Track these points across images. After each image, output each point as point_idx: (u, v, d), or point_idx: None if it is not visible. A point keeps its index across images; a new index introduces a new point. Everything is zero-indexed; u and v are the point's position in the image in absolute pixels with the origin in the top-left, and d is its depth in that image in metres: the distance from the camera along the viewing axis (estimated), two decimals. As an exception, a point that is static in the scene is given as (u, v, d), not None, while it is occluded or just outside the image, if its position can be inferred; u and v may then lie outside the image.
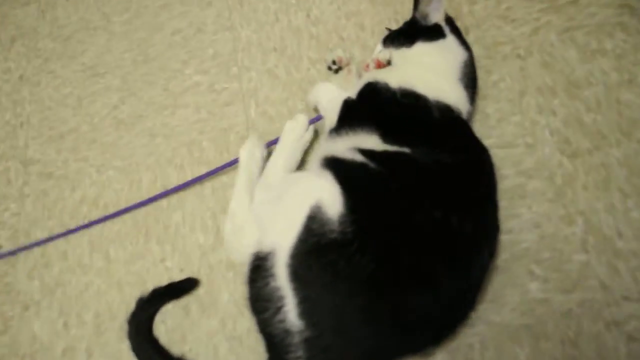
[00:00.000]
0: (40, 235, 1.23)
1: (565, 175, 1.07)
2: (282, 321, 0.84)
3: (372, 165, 0.92)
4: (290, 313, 0.83)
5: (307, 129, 1.14)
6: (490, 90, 1.19)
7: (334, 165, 0.95)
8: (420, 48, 1.11)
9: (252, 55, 1.38)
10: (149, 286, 1.12)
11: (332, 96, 1.13)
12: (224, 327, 1.06)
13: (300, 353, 0.84)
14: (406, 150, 0.94)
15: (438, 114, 1.00)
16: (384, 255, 0.83)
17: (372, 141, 0.98)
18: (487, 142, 1.09)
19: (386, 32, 1.27)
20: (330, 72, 1.27)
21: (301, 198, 0.91)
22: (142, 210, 1.22)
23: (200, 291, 1.10)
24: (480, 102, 1.18)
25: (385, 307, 0.83)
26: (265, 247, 0.89)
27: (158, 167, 1.27)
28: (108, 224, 1.22)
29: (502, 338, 0.96)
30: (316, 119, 1.17)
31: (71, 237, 1.22)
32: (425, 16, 1.14)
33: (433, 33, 1.12)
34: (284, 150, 1.12)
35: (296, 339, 0.84)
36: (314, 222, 0.86)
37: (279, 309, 0.84)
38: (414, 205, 0.87)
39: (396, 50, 1.14)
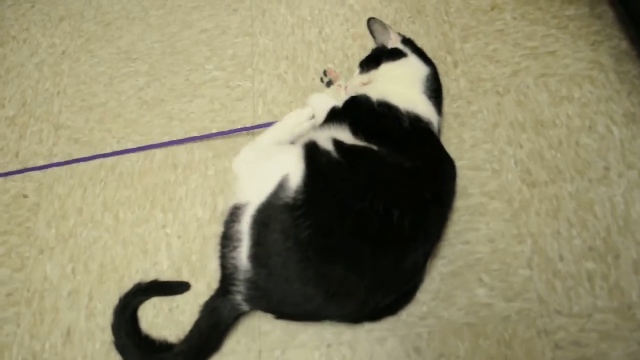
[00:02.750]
0: (62, 191, 1.29)
1: (522, 200, 1.13)
2: (235, 259, 0.95)
3: (335, 154, 1.00)
4: (243, 254, 0.94)
5: (309, 121, 1.20)
6: (469, 119, 1.26)
7: (310, 147, 1.03)
8: (386, 67, 1.20)
9: (267, 60, 1.44)
10: (150, 247, 1.19)
11: (324, 103, 1.20)
12: (209, 290, 1.10)
13: (241, 289, 0.96)
14: (374, 147, 1.02)
15: (408, 123, 1.08)
16: (321, 226, 0.92)
17: (344, 135, 1.07)
18: (459, 163, 1.16)
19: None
20: (323, 85, 1.34)
21: (277, 168, 1.00)
22: (153, 182, 1.28)
23: (192, 258, 1.17)
24: (458, 129, 1.24)
25: (313, 270, 0.91)
26: (243, 199, 0.99)
27: (171, 145, 1.33)
28: (121, 188, 1.28)
29: (447, 332, 1.02)
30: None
31: (88, 195, 1.28)
32: (383, 45, 1.25)
33: (394, 54, 1.21)
34: (282, 128, 1.19)
35: (241, 277, 0.95)
36: (281, 189, 0.95)
37: (235, 248, 0.95)
38: (360, 194, 0.94)
39: (369, 72, 1.22)
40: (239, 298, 0.97)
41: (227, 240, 0.98)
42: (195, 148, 1.32)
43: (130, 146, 1.35)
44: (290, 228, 0.92)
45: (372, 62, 1.22)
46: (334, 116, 1.15)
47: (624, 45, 1.30)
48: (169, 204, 1.25)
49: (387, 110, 1.08)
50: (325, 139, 1.04)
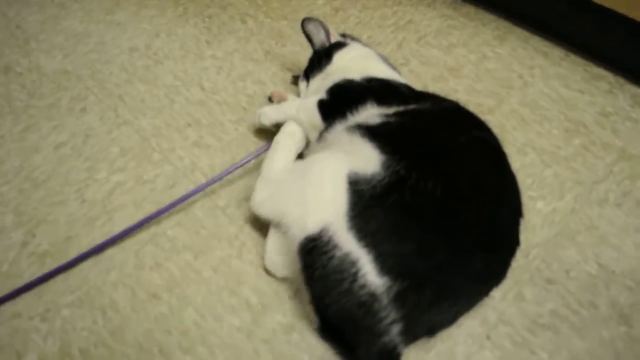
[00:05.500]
0: None
1: (496, 126, 1.16)
2: (364, 286, 0.73)
3: (393, 119, 0.89)
4: (370, 274, 0.73)
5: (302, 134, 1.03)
6: (398, 92, 1.27)
7: (360, 127, 0.88)
8: (339, 56, 1.13)
9: (168, 137, 1.17)
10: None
11: (297, 106, 1.04)
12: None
13: (393, 315, 0.73)
14: (413, 106, 0.94)
15: (405, 89, 1.02)
16: (448, 174, 0.80)
17: (375, 110, 0.94)
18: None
19: (292, 79, 1.28)
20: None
21: (330, 173, 0.82)
22: (142, 327, 0.87)
23: (275, 371, 0.83)
24: (399, 103, 1.24)
25: (467, 222, 0.79)
26: (312, 229, 0.77)
27: (126, 277, 0.94)
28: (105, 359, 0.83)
29: (552, 250, 0.98)
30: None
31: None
32: (323, 45, 1.17)
33: (338, 45, 1.15)
34: (282, 150, 0.99)
35: (385, 300, 0.73)
36: (359, 184, 0.78)
37: (355, 274, 0.73)
38: (454, 130, 0.88)
39: (321, 73, 1.13)
40: (394, 331, 0.74)
41: (334, 276, 0.74)
42: (162, 261, 0.96)
43: (66, 313, 0.88)
44: (414, 199, 0.76)
45: (320, 61, 1.12)
46: (335, 103, 0.99)
47: (448, -3, 1.54)
48: (186, 338, 0.86)
49: (379, 82, 1.00)
50: (365, 119, 0.91)
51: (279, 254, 0.89)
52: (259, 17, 1.48)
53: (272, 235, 0.91)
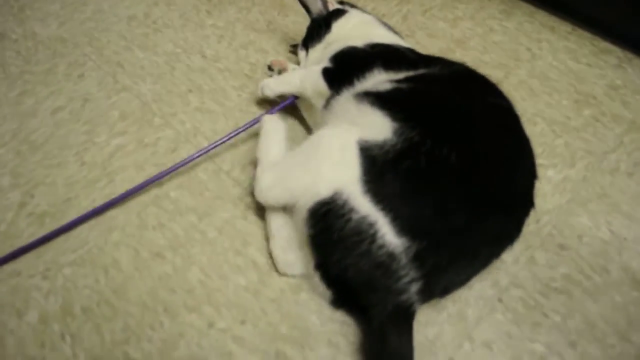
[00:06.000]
0: None
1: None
2: (382, 246, 0.73)
3: (404, 85, 0.88)
4: (388, 235, 0.73)
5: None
6: (405, 63, 1.26)
7: (369, 95, 0.87)
8: (338, 24, 1.12)
9: (169, 103, 1.15)
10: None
11: (301, 76, 1.03)
12: (336, 347, 0.80)
13: (412, 274, 0.73)
14: (423, 70, 0.93)
15: (411, 53, 1.02)
16: (462, 139, 0.79)
17: (384, 76, 0.93)
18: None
19: (291, 48, 1.27)
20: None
21: (338, 142, 0.81)
22: (146, 286, 0.86)
23: (282, 330, 0.82)
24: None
25: (482, 185, 0.78)
26: (324, 193, 0.76)
27: (128, 237, 0.92)
28: (108, 324, 0.81)
29: (564, 216, 0.98)
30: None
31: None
32: (321, 13, 1.17)
33: (337, 13, 1.14)
34: (272, 134, 0.95)
35: (403, 260, 0.73)
36: (371, 150, 0.78)
37: (373, 235, 0.73)
38: (467, 94, 0.88)
39: (320, 41, 1.13)
40: (412, 290, 0.73)
41: (352, 239, 0.74)
42: (165, 221, 0.94)
43: (67, 271, 0.86)
44: (429, 164, 0.75)
45: (320, 30, 1.11)
46: (342, 69, 0.98)
47: (454, -27, 1.54)
48: (191, 297, 0.84)
49: (384, 46, 1.00)
50: (374, 85, 0.89)
51: (291, 251, 0.88)
52: (261, -12, 1.48)
53: (276, 236, 0.89)
